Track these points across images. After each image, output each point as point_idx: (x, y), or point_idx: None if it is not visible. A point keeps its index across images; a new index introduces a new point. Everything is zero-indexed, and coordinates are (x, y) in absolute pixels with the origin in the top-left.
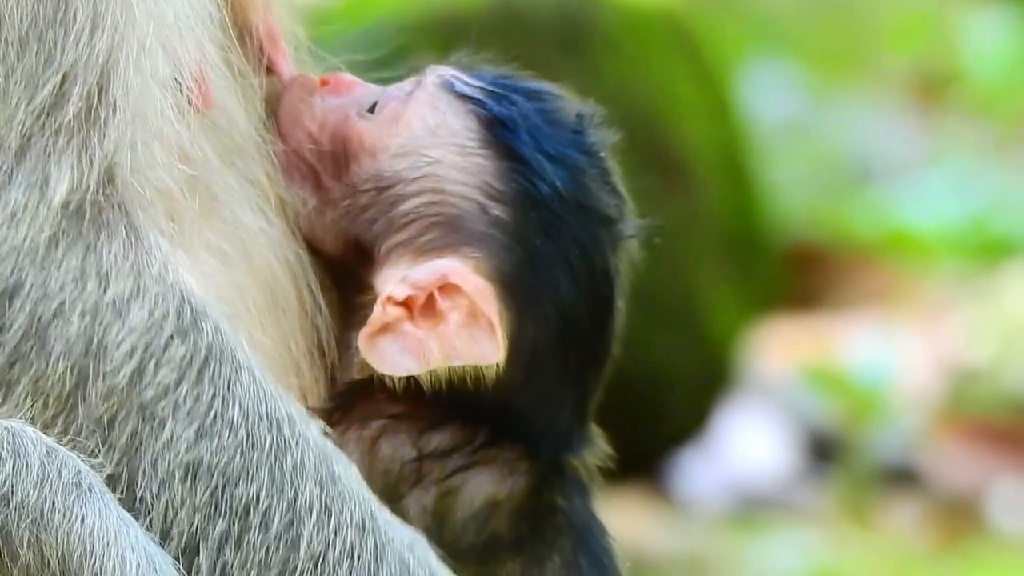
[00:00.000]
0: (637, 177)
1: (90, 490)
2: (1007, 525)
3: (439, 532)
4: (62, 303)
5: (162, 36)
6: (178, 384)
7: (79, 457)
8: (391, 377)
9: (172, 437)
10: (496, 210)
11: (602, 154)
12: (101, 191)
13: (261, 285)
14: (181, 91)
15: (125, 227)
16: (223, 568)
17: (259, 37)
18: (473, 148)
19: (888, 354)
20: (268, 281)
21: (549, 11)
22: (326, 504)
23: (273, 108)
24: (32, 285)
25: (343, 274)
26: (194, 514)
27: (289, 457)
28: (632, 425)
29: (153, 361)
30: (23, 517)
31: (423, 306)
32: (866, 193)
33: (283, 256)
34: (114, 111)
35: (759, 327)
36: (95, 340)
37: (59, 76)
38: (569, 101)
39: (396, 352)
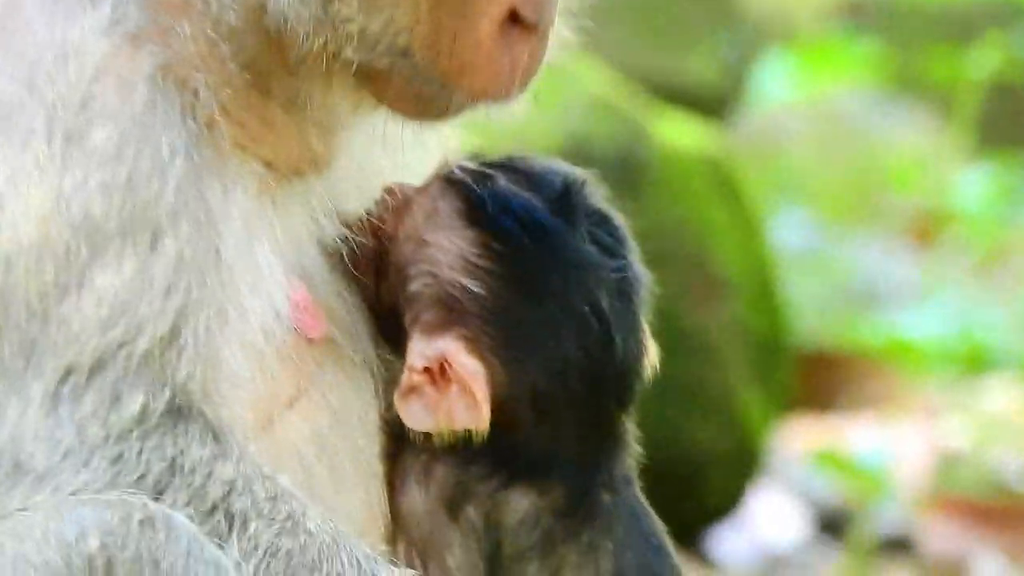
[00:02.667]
0: (683, 292)
1: (227, 570)
2: None
3: (499, 536)
4: (138, 464)
5: (237, 300)
6: (261, 502)
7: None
8: (415, 431)
9: (256, 532)
10: (476, 288)
11: (587, 211)
12: (175, 404)
13: (357, 456)
14: (280, 324)
15: (203, 421)
16: None
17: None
18: (458, 228)
19: (888, 444)
20: (364, 452)
21: (612, 154)
22: None
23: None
24: (103, 459)
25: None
26: None
27: (361, 551)
28: (676, 501)
29: (237, 491)
30: None
31: (438, 373)
32: (872, 312)
33: (377, 426)
34: (185, 349)
35: (782, 420)
36: (177, 477)
37: (135, 321)
38: (561, 168)
39: (420, 410)
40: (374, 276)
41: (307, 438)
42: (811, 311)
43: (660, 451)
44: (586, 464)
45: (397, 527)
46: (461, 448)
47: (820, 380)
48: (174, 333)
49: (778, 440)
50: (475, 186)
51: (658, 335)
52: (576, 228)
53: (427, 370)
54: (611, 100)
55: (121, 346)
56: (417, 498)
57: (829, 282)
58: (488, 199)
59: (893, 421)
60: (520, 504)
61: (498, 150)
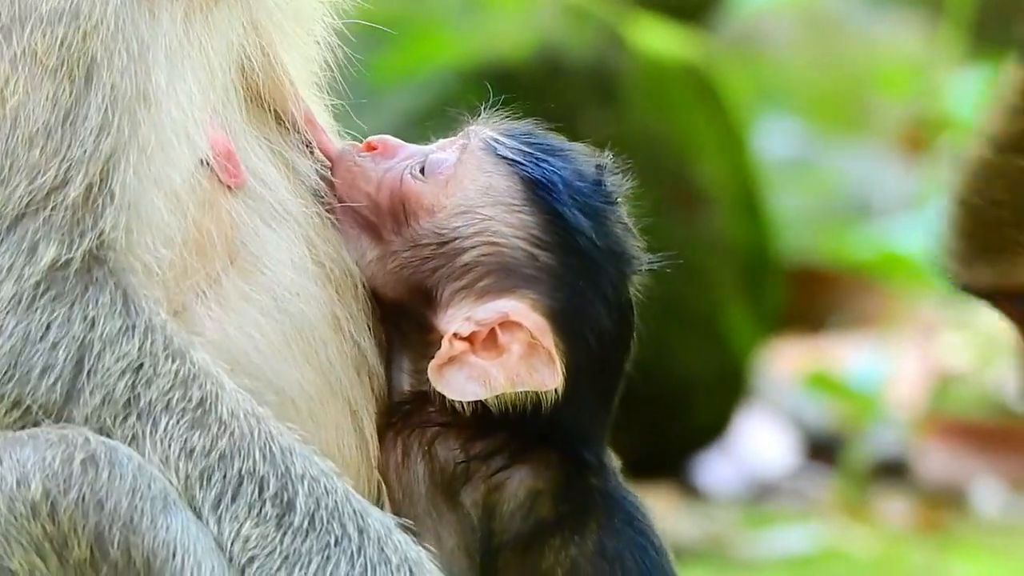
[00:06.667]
0: (664, 207)
1: (175, 503)
2: (986, 512)
3: (489, 523)
4: (45, 342)
5: (164, 139)
6: (170, 390)
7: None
8: (460, 402)
9: (166, 429)
10: (543, 257)
11: (618, 199)
12: (90, 260)
13: (299, 326)
14: (202, 172)
15: (113, 285)
16: (219, 519)
17: (296, 122)
18: (518, 206)
19: (881, 364)
20: (305, 322)
21: (585, 61)
22: (314, 476)
23: (327, 175)
24: (13, 331)
25: (400, 313)
26: (190, 484)
27: (277, 442)
28: (659, 427)
29: (145, 378)
30: (116, 521)
31: (484, 340)
32: (863, 225)
33: (321, 299)
34: (111, 199)
35: (771, 340)
36: (85, 365)
37: (64, 166)
38: (588, 154)
39: (463, 380)
40: (375, 242)
41: (255, 298)
42: (798, 224)
43: (641, 374)
44: (587, 443)
45: (389, 495)
46: (473, 424)
47: (809, 298)
48: (104, 179)
49: (766, 361)
50: (527, 168)
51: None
52: (615, 216)
53: (470, 338)
54: (583, 5)
55: (50, 193)
56: (418, 475)
57: (817, 194)
58: (548, 183)
59: (886, 340)
60: (519, 488)
61: (468, 60)
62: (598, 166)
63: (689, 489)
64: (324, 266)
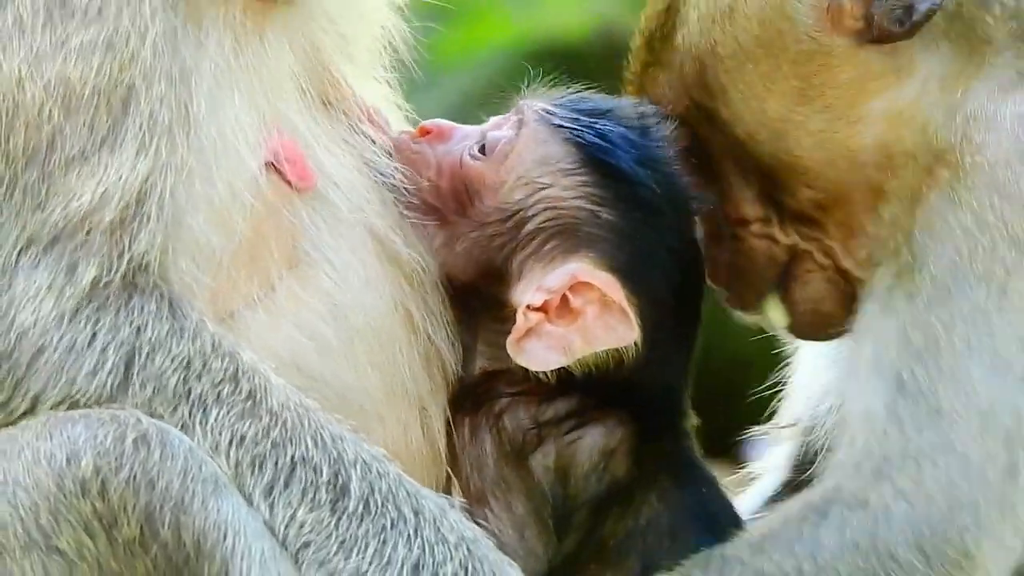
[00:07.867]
0: None
1: (225, 486)
2: None
3: (563, 488)
4: (93, 348)
5: (205, 161)
6: (220, 383)
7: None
8: (544, 372)
9: (217, 419)
10: (605, 214)
11: (666, 143)
12: (131, 277)
13: (363, 329)
14: (256, 185)
15: (159, 294)
16: (272, 505)
17: (360, 118)
18: (575, 168)
19: None
20: (371, 324)
21: None
22: (366, 460)
23: (393, 166)
24: (58, 344)
25: (473, 294)
26: (241, 471)
27: (327, 430)
28: (717, 407)
29: (196, 373)
30: (167, 501)
31: (558, 307)
32: None
33: (391, 297)
34: (147, 221)
35: None
36: (135, 365)
37: (99, 190)
38: (633, 105)
39: (542, 350)
40: (441, 226)
41: (314, 303)
42: None
43: (697, 353)
44: (665, 399)
45: (455, 473)
46: (545, 391)
47: None
48: (140, 201)
49: None
50: (582, 131)
51: None
52: (665, 157)
53: (544, 307)
54: None
55: (86, 217)
56: (486, 449)
57: None
58: (603, 143)
59: None
60: (592, 449)
61: (528, 40)
62: (641, 114)
63: (740, 468)
64: (395, 262)
